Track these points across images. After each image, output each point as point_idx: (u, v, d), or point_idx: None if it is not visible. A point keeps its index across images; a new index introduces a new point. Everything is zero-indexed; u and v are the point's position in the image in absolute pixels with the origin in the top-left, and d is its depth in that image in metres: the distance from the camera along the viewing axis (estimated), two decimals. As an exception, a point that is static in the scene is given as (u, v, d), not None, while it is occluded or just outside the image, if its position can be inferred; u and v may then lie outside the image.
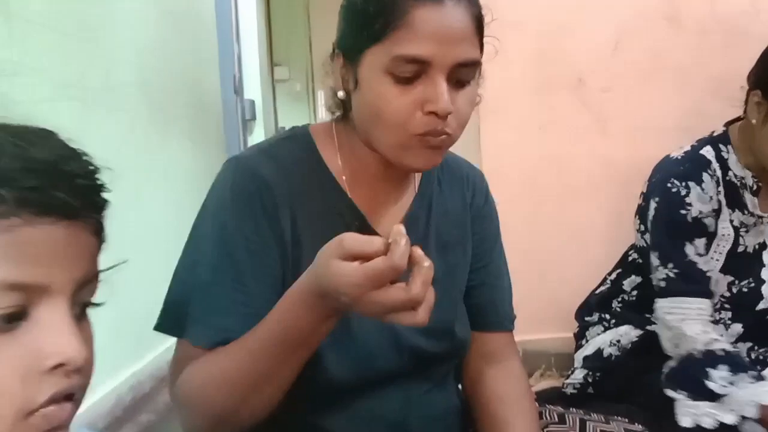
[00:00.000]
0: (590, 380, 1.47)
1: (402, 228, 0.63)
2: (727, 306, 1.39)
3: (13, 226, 0.42)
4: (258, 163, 0.85)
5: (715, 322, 1.37)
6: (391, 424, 0.88)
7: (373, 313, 0.65)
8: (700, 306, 1.30)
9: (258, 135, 4.40)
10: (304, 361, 0.75)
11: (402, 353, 0.89)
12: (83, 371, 0.46)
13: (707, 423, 1.19)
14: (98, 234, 0.49)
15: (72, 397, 0.45)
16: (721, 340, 1.28)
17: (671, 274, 1.33)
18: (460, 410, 1.00)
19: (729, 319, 1.40)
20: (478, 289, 1.01)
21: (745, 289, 1.39)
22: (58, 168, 0.44)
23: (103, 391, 1.53)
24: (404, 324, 0.64)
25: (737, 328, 1.40)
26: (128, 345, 1.64)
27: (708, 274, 1.33)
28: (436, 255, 0.93)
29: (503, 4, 1.95)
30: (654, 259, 1.38)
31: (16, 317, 0.43)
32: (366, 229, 0.89)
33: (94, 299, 0.49)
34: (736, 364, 1.23)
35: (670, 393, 1.27)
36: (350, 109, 0.88)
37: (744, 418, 1.17)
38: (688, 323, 1.28)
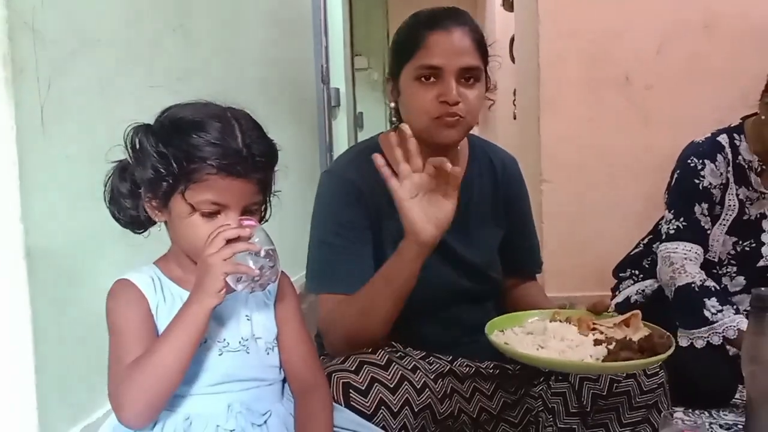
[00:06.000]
0: (618, 322, 1.87)
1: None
2: (732, 262, 1.77)
3: (216, 179, 0.85)
4: (346, 172, 1.24)
5: (723, 274, 1.76)
6: (455, 325, 1.28)
7: None
8: (697, 251, 1.70)
9: (341, 120, 4.86)
10: (404, 292, 1.08)
11: (455, 288, 1.29)
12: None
13: (699, 344, 1.61)
14: (259, 185, 0.89)
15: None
16: (710, 280, 1.67)
17: (681, 226, 1.72)
18: None
19: (734, 272, 1.77)
20: (514, 247, 1.37)
21: (747, 249, 1.76)
22: (245, 152, 0.85)
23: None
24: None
25: (740, 280, 1.78)
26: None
27: (707, 231, 1.72)
28: (475, 222, 1.30)
29: (560, 16, 2.37)
30: (668, 215, 1.77)
31: (214, 214, 0.86)
32: None
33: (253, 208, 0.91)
34: (723, 298, 1.63)
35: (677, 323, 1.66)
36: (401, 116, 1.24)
37: (725, 339, 1.58)
38: (689, 263, 1.68)
